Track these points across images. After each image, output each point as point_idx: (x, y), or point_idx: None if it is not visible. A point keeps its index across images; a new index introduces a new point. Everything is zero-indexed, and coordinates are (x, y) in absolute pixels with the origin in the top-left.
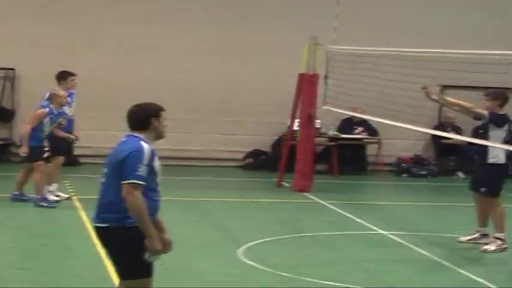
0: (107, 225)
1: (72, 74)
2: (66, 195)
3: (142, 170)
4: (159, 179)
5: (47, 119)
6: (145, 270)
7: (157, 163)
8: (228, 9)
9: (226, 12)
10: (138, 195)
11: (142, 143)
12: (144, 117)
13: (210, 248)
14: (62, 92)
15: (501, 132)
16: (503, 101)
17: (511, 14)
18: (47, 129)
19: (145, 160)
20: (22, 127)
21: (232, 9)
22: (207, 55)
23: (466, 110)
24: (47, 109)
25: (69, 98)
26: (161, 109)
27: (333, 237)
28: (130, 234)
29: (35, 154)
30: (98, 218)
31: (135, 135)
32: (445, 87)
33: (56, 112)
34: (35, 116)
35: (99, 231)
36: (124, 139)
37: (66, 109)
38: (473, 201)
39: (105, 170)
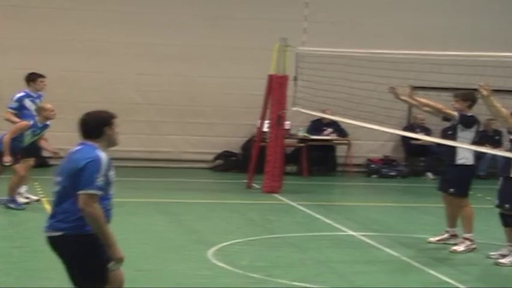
0: (62, 234)
1: (41, 76)
2: (36, 197)
3: (100, 180)
4: (112, 188)
5: (28, 132)
6: (103, 278)
7: (112, 173)
8: (197, 12)
9: (196, 15)
10: (97, 205)
11: (99, 152)
12: (96, 127)
13: (181, 249)
14: (49, 106)
15: (470, 134)
16: (472, 102)
17: (480, 15)
18: (27, 141)
19: (103, 170)
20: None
21: (202, 12)
22: (176, 58)
23: (437, 111)
24: (32, 121)
25: (37, 100)
26: (113, 117)
27: (302, 238)
28: (86, 242)
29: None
30: (52, 227)
31: (89, 143)
32: (414, 88)
33: (40, 125)
34: (18, 128)
35: (54, 240)
36: (79, 147)
37: (34, 111)
38: (442, 202)
39: (58, 178)
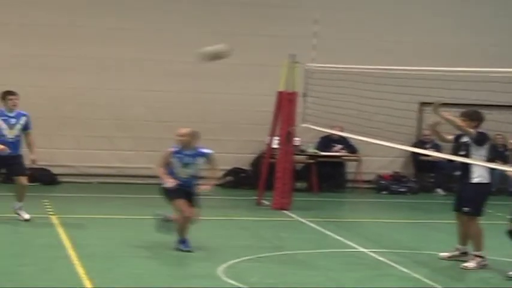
0: None
1: (10, 93)
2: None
3: None
4: None
5: None
6: None
7: None
8: (206, 28)
9: (204, 31)
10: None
11: None
12: None
13: (191, 266)
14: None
15: (483, 151)
16: (479, 122)
17: (489, 31)
18: None
19: None
20: None
21: (210, 28)
22: (185, 74)
23: (456, 127)
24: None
25: (13, 120)
26: None
27: (312, 255)
28: None
29: None
30: None
31: None
32: (424, 104)
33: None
34: None
35: None
36: None
37: (5, 130)
38: (453, 219)
39: None
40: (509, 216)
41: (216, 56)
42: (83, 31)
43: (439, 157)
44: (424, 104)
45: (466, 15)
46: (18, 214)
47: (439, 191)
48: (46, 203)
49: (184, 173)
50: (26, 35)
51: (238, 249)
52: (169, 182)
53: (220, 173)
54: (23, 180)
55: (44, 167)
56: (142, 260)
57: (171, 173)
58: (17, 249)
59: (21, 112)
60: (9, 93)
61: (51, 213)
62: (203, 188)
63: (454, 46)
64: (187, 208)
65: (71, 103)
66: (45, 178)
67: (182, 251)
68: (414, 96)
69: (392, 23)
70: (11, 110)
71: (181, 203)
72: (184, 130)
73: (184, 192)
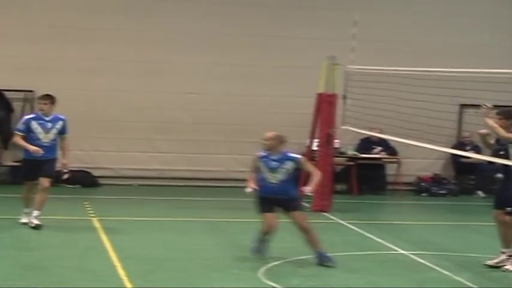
0: None
1: (40, 97)
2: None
3: None
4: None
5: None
6: None
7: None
8: (246, 31)
9: (244, 34)
10: None
11: None
12: None
13: (231, 269)
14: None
15: None
16: None
17: None
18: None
19: None
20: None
21: (250, 31)
22: (224, 77)
23: (496, 135)
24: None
25: (49, 124)
26: None
27: (353, 257)
28: None
29: None
30: None
31: None
32: (463, 106)
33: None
34: None
35: None
36: None
37: (40, 134)
38: (494, 221)
39: None
40: None
41: None
42: (123, 34)
43: (479, 159)
44: (464, 105)
45: (505, 15)
46: (28, 222)
47: (480, 193)
48: (87, 205)
49: (273, 178)
50: (65, 38)
51: (278, 252)
52: (248, 188)
53: (320, 174)
54: (45, 181)
55: (84, 169)
56: (182, 263)
57: (261, 179)
58: (59, 251)
59: (59, 116)
60: (39, 97)
61: (92, 215)
62: (305, 190)
63: (494, 47)
64: (269, 222)
65: (111, 106)
66: (86, 180)
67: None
68: (454, 98)
69: (432, 24)
70: (46, 114)
71: (266, 216)
72: (269, 134)
73: (276, 200)
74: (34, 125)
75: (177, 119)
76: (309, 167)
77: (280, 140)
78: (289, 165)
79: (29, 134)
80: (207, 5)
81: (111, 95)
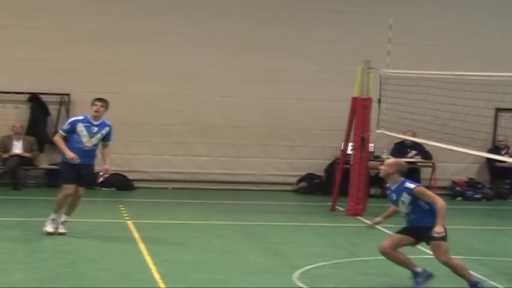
0: None
1: (97, 99)
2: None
3: None
4: None
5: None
6: None
7: None
8: (281, 34)
9: (279, 37)
10: None
11: None
12: None
13: (266, 272)
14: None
15: None
16: None
17: None
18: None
19: None
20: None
21: (285, 34)
22: (259, 80)
23: None
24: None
25: (95, 128)
26: None
27: (387, 261)
28: None
29: None
30: None
31: None
32: (499, 110)
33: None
34: None
35: None
36: None
37: (84, 137)
38: None
39: None
40: None
41: None
42: (159, 37)
43: None
44: (500, 109)
45: None
46: (52, 227)
47: None
48: (122, 208)
49: (400, 211)
50: (101, 42)
51: (313, 255)
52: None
53: (443, 208)
54: (82, 191)
55: (119, 172)
56: (217, 266)
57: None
58: (94, 253)
59: (106, 122)
60: (97, 99)
61: (126, 218)
62: (435, 232)
63: None
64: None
65: (146, 109)
66: (121, 183)
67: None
68: (490, 102)
69: (467, 28)
70: (95, 118)
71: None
72: (388, 160)
73: (413, 235)
74: (80, 127)
75: (212, 122)
76: (429, 196)
77: (396, 168)
78: (406, 197)
79: (71, 136)
80: (243, 9)
81: (146, 98)
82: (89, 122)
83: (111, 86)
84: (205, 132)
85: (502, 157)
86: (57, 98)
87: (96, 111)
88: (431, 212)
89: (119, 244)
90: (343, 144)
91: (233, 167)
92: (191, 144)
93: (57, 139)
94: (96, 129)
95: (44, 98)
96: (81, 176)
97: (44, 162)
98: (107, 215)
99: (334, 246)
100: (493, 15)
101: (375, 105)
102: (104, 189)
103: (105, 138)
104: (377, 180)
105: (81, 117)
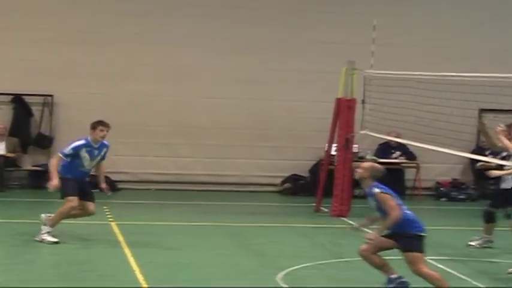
0: None
1: (102, 124)
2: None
3: None
4: None
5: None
6: None
7: None
8: (265, 35)
9: (263, 38)
10: None
11: None
12: None
13: (249, 274)
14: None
15: None
16: None
17: None
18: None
19: None
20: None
21: (269, 35)
22: (244, 81)
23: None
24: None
25: (96, 151)
26: None
27: None
28: None
29: None
30: None
31: None
32: (483, 111)
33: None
34: None
35: None
36: None
37: (86, 162)
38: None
39: None
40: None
41: None
42: (142, 38)
43: (499, 164)
44: (483, 110)
45: None
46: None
47: None
48: (106, 210)
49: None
50: (84, 42)
51: (297, 256)
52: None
53: (392, 219)
54: (93, 207)
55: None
56: (201, 267)
57: None
58: (78, 255)
59: (104, 143)
60: (102, 123)
61: (110, 219)
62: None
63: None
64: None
65: (131, 110)
66: None
67: None
68: (473, 103)
69: (451, 29)
70: (97, 142)
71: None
72: (365, 164)
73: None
74: (83, 153)
75: (196, 123)
76: (386, 204)
77: (371, 173)
78: (371, 202)
79: (73, 160)
80: (230, 11)
81: (130, 99)
82: (90, 146)
83: (95, 87)
84: (190, 133)
85: (485, 158)
86: (40, 99)
87: (102, 137)
88: (402, 220)
89: (102, 246)
90: (327, 145)
91: (217, 168)
92: (176, 145)
93: (54, 163)
94: (97, 152)
95: (27, 99)
96: (84, 190)
97: (28, 163)
98: (91, 217)
99: (318, 247)
100: (477, 17)
101: (359, 106)
102: None
103: (103, 158)
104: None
105: (83, 142)
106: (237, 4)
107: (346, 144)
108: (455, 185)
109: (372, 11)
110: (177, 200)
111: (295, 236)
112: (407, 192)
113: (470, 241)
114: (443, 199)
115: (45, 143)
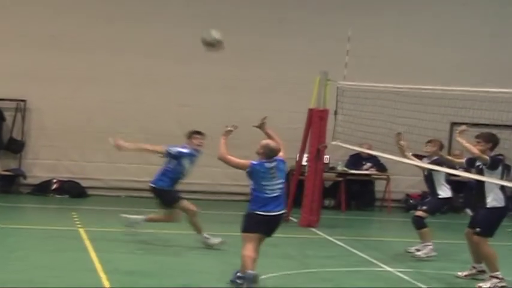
0: None
1: (198, 133)
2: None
3: None
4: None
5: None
6: None
7: None
8: (238, 44)
9: (236, 47)
10: None
11: None
12: None
13: (216, 282)
14: None
15: (497, 175)
16: (494, 144)
17: None
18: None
19: None
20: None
21: (243, 44)
22: (216, 89)
23: (472, 154)
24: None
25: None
26: None
27: (338, 273)
28: None
29: None
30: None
31: None
32: (455, 124)
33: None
34: None
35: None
36: None
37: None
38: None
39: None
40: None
41: (211, 44)
42: (116, 44)
43: (469, 177)
44: (455, 123)
45: (501, 33)
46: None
47: (468, 211)
48: (74, 216)
49: None
50: (57, 47)
51: (264, 266)
52: None
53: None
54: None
55: (73, 179)
56: (166, 274)
57: None
58: (45, 261)
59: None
60: (198, 132)
61: (79, 225)
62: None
63: (486, 65)
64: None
65: (102, 116)
66: (74, 190)
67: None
68: (445, 116)
69: (425, 41)
70: (198, 150)
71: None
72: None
73: None
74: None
75: (167, 131)
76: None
77: (263, 150)
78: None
79: (176, 167)
80: (202, 18)
81: (102, 105)
82: (194, 154)
83: (67, 92)
84: (161, 140)
85: (455, 171)
86: (13, 104)
87: (199, 146)
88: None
89: (70, 252)
90: (298, 155)
91: (188, 177)
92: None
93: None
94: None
95: None
96: None
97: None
98: (59, 223)
99: (286, 257)
100: (449, 30)
101: (331, 117)
102: (57, 196)
103: None
104: (331, 192)
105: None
106: (209, 12)
107: (317, 155)
108: (425, 197)
109: (346, 22)
110: (147, 208)
111: (262, 246)
112: (377, 203)
113: (410, 249)
114: (413, 211)
115: (16, 147)
